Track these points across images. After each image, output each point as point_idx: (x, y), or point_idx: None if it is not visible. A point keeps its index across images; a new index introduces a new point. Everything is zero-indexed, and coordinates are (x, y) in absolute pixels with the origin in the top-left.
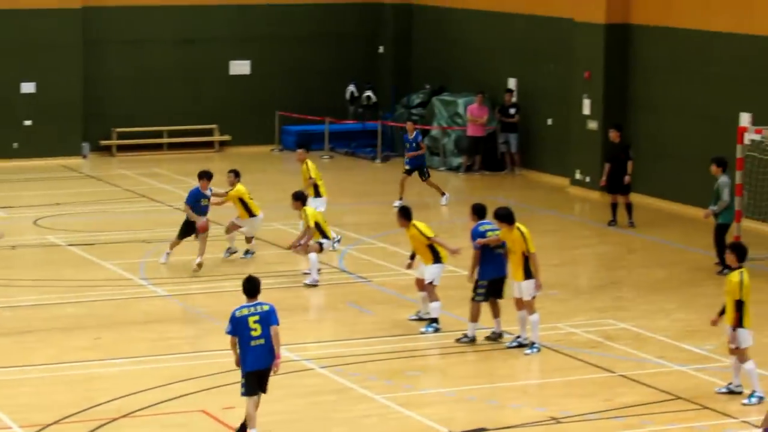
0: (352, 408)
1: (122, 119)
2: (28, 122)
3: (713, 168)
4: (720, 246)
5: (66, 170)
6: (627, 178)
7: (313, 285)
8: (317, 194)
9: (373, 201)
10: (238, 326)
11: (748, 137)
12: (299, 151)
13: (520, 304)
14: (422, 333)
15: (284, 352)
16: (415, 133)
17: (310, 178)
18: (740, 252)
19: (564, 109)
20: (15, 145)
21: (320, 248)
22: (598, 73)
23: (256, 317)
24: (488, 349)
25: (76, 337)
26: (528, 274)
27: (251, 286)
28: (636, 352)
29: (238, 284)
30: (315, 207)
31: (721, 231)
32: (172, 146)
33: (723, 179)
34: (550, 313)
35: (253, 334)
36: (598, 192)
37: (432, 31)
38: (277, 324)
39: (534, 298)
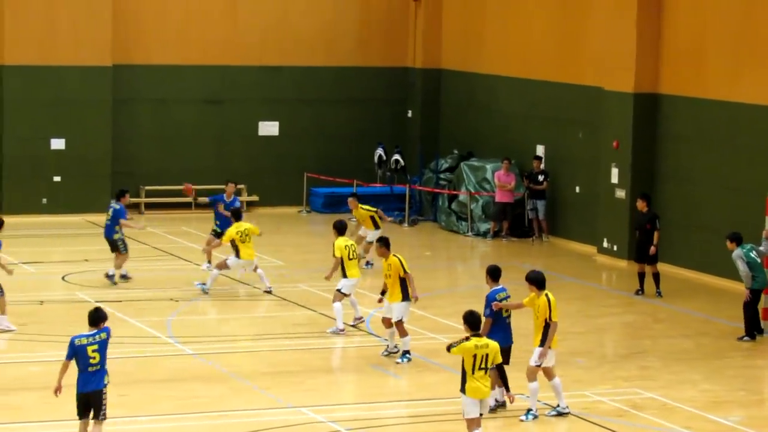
0: None
1: (150, 177)
2: (57, 178)
3: (728, 244)
4: (749, 312)
5: (94, 227)
6: (653, 249)
7: (339, 332)
8: (376, 226)
9: None
10: (77, 354)
11: None
12: (350, 199)
13: (548, 371)
14: (398, 363)
15: (309, 413)
16: None
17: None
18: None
19: (592, 177)
20: (44, 200)
21: (341, 295)
22: (627, 142)
23: (95, 346)
24: (509, 415)
25: None
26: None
27: (96, 316)
28: (663, 422)
29: (266, 344)
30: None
31: (753, 297)
32: (200, 205)
33: (735, 252)
34: (576, 381)
35: (92, 361)
36: (626, 261)
37: (460, 96)
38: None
39: (539, 366)
